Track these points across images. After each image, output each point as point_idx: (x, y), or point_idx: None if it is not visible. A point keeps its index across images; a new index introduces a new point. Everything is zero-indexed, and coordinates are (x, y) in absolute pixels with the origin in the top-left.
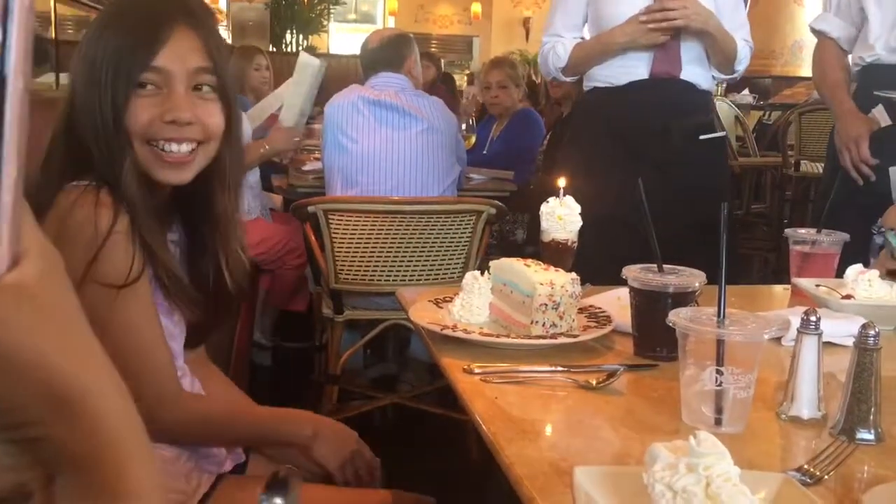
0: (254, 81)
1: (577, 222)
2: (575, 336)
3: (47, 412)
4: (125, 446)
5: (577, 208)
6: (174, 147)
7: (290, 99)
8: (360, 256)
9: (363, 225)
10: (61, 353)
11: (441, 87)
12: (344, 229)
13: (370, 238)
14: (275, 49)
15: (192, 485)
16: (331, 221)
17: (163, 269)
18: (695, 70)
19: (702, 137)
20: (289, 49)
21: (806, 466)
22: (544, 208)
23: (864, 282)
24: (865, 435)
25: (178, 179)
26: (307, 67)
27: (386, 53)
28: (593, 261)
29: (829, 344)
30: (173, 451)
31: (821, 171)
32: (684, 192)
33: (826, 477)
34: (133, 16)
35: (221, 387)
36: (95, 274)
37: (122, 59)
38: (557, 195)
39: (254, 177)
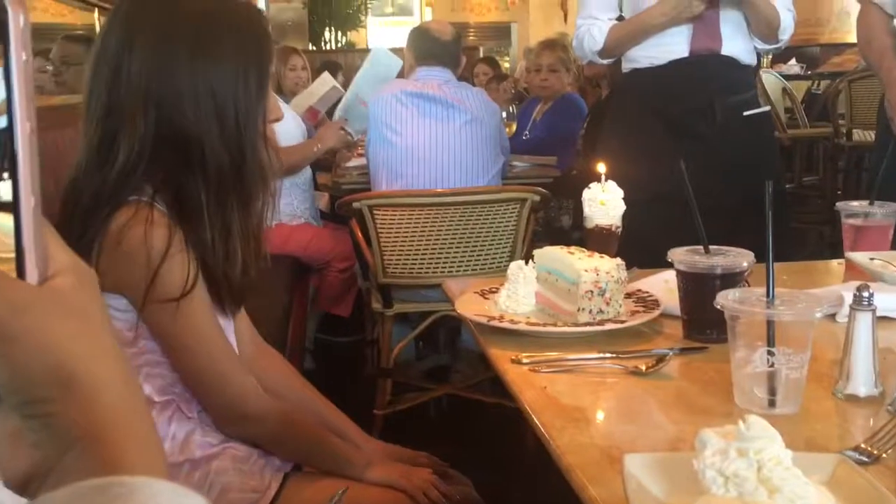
0: (289, 82)
1: (620, 207)
2: (622, 321)
3: (57, 389)
4: (125, 430)
5: (620, 193)
6: None
7: (350, 91)
8: (407, 250)
9: (408, 218)
10: (74, 340)
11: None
12: (389, 224)
13: (416, 231)
14: (314, 48)
15: (265, 482)
16: (376, 216)
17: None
18: (736, 44)
19: (746, 113)
20: (328, 47)
21: (863, 445)
22: (587, 194)
23: None
24: None
25: None
26: (378, 58)
27: (449, 50)
28: (639, 244)
29: (884, 318)
30: (246, 449)
31: (874, 139)
32: (730, 170)
33: (885, 455)
34: (236, 37)
35: (287, 379)
36: (155, 293)
37: (251, 75)
38: (599, 180)
39: (304, 176)
